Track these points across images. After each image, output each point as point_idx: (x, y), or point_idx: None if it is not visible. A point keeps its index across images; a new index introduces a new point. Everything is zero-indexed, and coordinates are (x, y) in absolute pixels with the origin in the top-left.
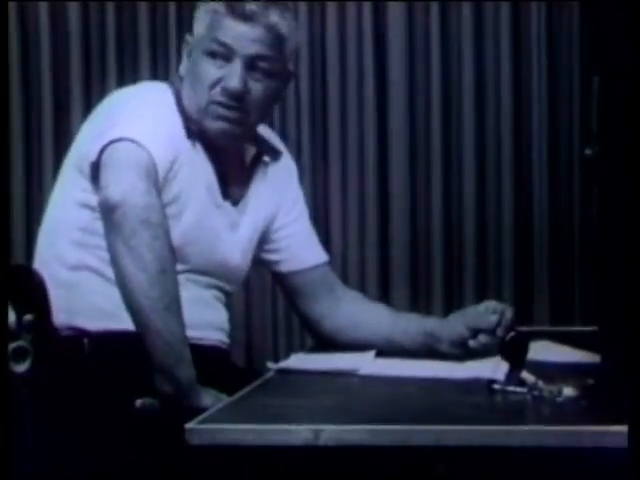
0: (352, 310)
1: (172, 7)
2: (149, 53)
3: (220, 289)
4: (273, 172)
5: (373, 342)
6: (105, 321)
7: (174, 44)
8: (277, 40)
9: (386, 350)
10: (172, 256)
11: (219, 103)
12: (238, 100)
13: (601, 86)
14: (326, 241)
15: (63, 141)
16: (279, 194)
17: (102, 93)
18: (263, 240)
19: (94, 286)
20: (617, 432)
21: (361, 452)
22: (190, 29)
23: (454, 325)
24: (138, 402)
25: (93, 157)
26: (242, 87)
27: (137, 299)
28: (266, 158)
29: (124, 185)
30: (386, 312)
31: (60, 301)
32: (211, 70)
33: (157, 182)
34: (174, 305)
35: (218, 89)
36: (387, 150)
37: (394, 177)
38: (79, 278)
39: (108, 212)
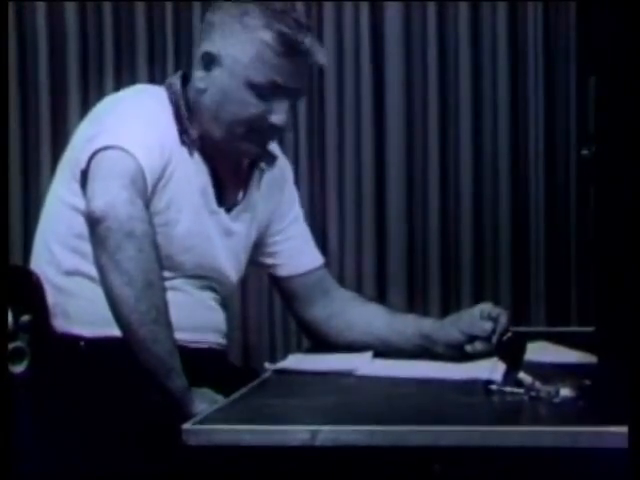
0: (348, 312)
1: (169, 7)
2: (146, 54)
3: (215, 290)
4: (269, 177)
5: (369, 343)
6: (101, 328)
7: (171, 45)
8: (314, 70)
9: (382, 351)
10: (159, 267)
11: (260, 132)
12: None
13: (598, 86)
14: (323, 242)
15: (60, 142)
16: (274, 200)
17: (99, 94)
18: (259, 244)
19: (89, 292)
20: (615, 432)
21: (358, 452)
22: (189, 31)
23: (449, 330)
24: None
25: (82, 165)
26: (288, 122)
27: (124, 314)
28: (262, 164)
29: (107, 197)
30: (382, 313)
31: (56, 306)
32: (253, 102)
33: (144, 191)
34: (162, 317)
35: (262, 122)
36: (384, 151)
37: (391, 178)
38: (75, 284)
39: (93, 225)
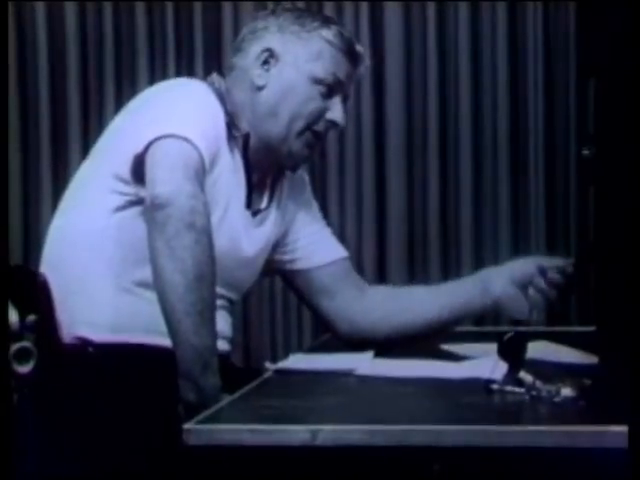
0: (389, 298)
1: (169, 7)
2: (146, 53)
3: (226, 298)
4: (291, 183)
5: (419, 325)
6: (111, 333)
7: (172, 44)
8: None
9: (425, 332)
10: (212, 263)
11: (317, 133)
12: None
13: (597, 87)
14: None
15: (60, 141)
16: (294, 206)
17: (99, 95)
18: (279, 244)
19: (105, 297)
20: (615, 432)
21: (358, 452)
22: (189, 31)
23: (521, 263)
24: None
25: (139, 149)
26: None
27: (171, 301)
28: (288, 171)
29: (172, 186)
30: (425, 289)
31: (66, 310)
32: (315, 97)
33: (204, 182)
34: (207, 312)
35: (319, 119)
36: (384, 150)
37: (391, 177)
38: (92, 287)
39: (153, 210)
